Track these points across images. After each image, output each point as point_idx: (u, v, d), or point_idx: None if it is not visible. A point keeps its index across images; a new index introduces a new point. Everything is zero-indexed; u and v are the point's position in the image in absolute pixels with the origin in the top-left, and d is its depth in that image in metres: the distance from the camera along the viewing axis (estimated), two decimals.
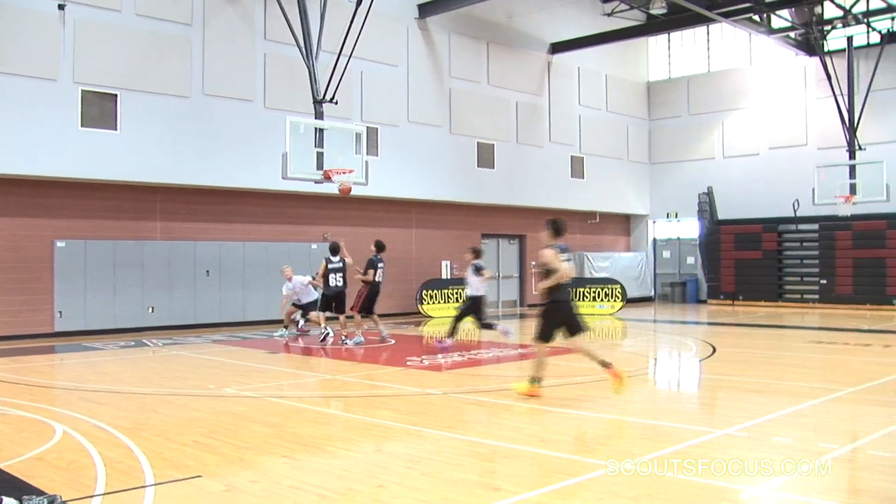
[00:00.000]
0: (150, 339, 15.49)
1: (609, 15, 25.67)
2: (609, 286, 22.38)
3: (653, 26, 25.01)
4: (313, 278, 15.57)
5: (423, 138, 21.26)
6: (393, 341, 14.67)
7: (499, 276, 24.16)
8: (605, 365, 8.66)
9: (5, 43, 14.63)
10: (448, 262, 22.55)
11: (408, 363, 11.73)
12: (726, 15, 20.43)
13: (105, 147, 15.73)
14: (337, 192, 14.09)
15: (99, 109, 15.69)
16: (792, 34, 23.54)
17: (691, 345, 14.47)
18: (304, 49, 14.59)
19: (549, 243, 8.67)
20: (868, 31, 23.28)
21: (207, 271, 17.86)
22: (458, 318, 13.89)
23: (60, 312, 15.99)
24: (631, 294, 24.49)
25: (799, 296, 24.73)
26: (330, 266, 14.44)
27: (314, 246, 18.69)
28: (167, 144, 16.51)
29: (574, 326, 8.74)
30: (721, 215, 26.37)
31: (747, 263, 25.48)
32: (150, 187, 17.11)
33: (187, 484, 5.48)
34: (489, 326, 14.01)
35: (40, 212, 15.89)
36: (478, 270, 13.80)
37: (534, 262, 22.32)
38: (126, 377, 10.68)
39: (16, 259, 15.56)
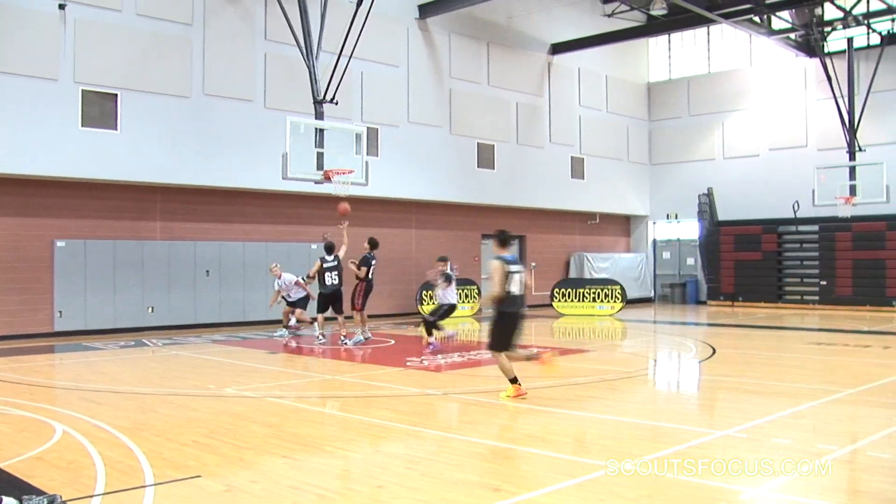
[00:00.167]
0: (150, 339, 15.49)
1: (609, 16, 25.68)
2: (609, 287, 22.39)
3: (653, 27, 25.03)
4: (303, 279, 15.79)
5: (424, 139, 21.26)
6: (370, 337, 14.69)
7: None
8: (531, 358, 8.82)
9: (6, 43, 14.63)
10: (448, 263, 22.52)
11: (407, 364, 11.73)
12: (727, 16, 20.43)
13: (105, 147, 15.74)
14: (335, 193, 14.11)
15: (99, 109, 15.69)
16: (792, 35, 23.55)
17: (691, 346, 14.48)
18: (304, 49, 14.60)
19: (495, 254, 8.72)
20: (868, 33, 23.29)
21: (207, 271, 17.86)
22: (433, 324, 13.64)
23: (60, 312, 16.00)
24: (631, 295, 24.51)
25: (799, 297, 24.73)
26: (325, 265, 14.45)
27: (314, 246, 18.69)
28: (167, 144, 16.52)
29: (505, 343, 8.68)
30: (721, 216, 26.37)
31: (747, 264, 25.48)
32: (151, 187, 17.11)
33: (187, 484, 5.49)
34: (436, 328, 13.73)
35: (40, 211, 15.90)
36: (447, 279, 13.64)
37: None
38: (126, 377, 10.68)
39: (16, 259, 15.56)
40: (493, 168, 23.08)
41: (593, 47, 25.00)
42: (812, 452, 6.15)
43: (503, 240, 8.80)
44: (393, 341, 14.70)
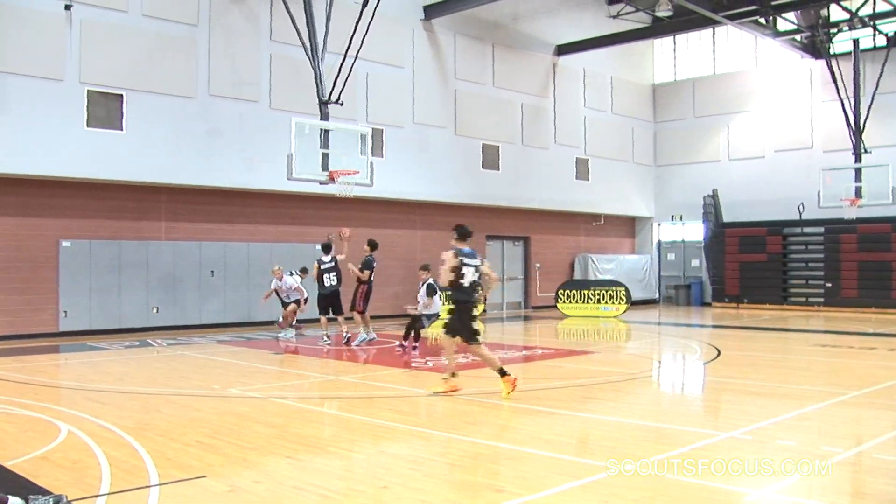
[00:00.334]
0: (155, 340, 15.52)
1: (614, 17, 25.67)
2: (613, 288, 22.37)
3: (658, 28, 25.02)
4: (299, 272, 16.25)
5: (428, 139, 21.27)
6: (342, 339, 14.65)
7: (503, 277, 24.14)
8: (502, 373, 8.84)
9: (12, 43, 14.68)
10: None
11: (412, 364, 11.72)
12: (732, 17, 20.41)
13: (111, 147, 15.77)
14: (338, 194, 14.12)
15: (105, 110, 15.73)
16: (798, 37, 23.51)
17: (696, 347, 14.45)
18: (309, 50, 14.62)
19: (453, 247, 9.08)
20: (874, 34, 23.24)
21: (212, 272, 17.89)
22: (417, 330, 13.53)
23: (65, 312, 16.03)
24: (635, 296, 24.48)
25: (804, 299, 24.67)
26: (322, 266, 14.43)
27: (318, 247, 18.69)
28: (172, 145, 16.55)
29: (468, 334, 8.94)
30: (726, 218, 26.33)
31: (752, 266, 25.43)
32: (156, 187, 17.14)
33: (191, 484, 5.49)
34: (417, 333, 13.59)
35: (45, 211, 15.94)
36: (431, 289, 13.43)
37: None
38: (130, 377, 10.70)
39: (21, 259, 15.61)
40: (498, 169, 23.08)
41: (598, 48, 24.99)
42: (817, 455, 6.12)
43: (462, 233, 9.28)
44: (396, 342, 14.68)
